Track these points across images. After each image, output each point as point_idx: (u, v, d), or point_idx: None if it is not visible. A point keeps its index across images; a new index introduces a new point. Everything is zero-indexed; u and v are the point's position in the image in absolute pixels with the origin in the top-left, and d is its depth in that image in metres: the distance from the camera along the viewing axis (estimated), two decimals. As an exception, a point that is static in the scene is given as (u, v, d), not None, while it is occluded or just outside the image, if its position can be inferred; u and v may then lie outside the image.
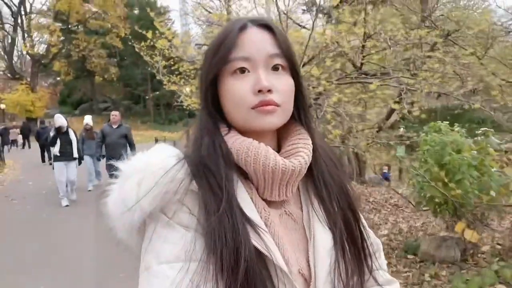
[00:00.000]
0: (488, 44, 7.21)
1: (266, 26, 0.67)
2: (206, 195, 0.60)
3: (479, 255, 3.51)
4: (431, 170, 3.41)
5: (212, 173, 0.62)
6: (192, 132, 0.70)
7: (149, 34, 5.61)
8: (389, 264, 3.37)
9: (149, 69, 6.51)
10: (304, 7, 13.35)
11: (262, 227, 0.61)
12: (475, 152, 3.44)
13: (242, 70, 0.65)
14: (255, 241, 0.58)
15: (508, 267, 2.95)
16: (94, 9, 32.05)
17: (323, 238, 0.67)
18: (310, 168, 0.69)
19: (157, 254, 0.58)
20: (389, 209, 5.89)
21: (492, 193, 3.25)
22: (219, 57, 0.65)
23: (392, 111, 6.66)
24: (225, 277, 0.55)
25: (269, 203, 0.66)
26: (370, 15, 5.85)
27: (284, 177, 0.64)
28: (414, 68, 5.79)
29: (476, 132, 3.68)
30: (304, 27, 8.19)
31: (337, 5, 6.04)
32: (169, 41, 5.72)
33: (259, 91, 0.63)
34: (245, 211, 0.61)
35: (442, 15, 8.69)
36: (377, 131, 6.07)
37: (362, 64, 6.15)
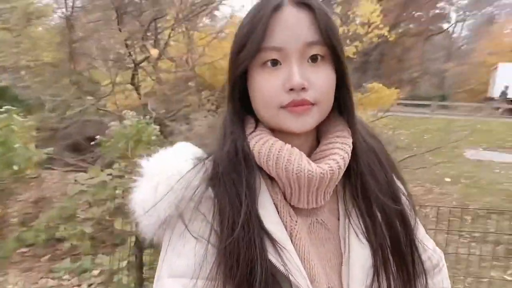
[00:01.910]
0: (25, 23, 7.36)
1: (305, 4, 0.57)
2: (222, 204, 0.56)
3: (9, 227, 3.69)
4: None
5: (232, 180, 0.57)
6: (218, 128, 0.64)
7: None
8: None
9: None
10: None
11: (281, 241, 0.55)
12: (-1, 130, 3.53)
13: (274, 62, 0.57)
14: (272, 257, 0.54)
15: (28, 231, 3.34)
16: None
17: (360, 254, 0.59)
18: (349, 171, 0.61)
19: (169, 266, 0.57)
20: None
21: (15, 167, 3.52)
22: (249, 48, 0.56)
23: None
24: None
25: (299, 210, 0.60)
26: None
27: (312, 184, 0.56)
28: None
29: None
30: None
31: None
32: None
33: (291, 89, 0.55)
34: (264, 223, 0.56)
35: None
36: None
37: None
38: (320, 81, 0.57)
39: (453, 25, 30.99)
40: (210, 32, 6.01)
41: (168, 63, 5.52)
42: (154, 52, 5.21)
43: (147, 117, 3.57)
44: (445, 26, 30.31)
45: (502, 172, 6.44)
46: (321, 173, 0.56)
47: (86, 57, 5.90)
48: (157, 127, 3.44)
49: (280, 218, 0.58)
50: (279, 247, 0.55)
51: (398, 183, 0.68)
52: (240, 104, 0.62)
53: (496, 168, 6.60)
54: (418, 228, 0.67)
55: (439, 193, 5.30)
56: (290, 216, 0.58)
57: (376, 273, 0.59)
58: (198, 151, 0.63)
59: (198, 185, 0.58)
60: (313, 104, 0.57)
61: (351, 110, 0.62)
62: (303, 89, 0.55)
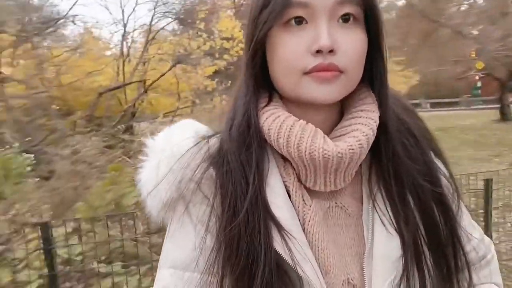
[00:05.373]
0: None
1: None
2: (224, 184, 0.51)
3: None
4: None
5: (239, 158, 0.51)
6: (230, 101, 0.57)
7: None
8: None
9: None
10: None
11: (289, 228, 0.49)
12: None
13: (299, 21, 0.49)
14: (278, 246, 0.48)
15: None
16: None
17: (387, 245, 0.52)
18: (379, 150, 0.53)
19: (166, 256, 0.54)
20: None
21: None
22: (274, 3, 0.48)
23: None
24: None
25: (315, 193, 0.53)
26: None
27: (329, 165, 0.49)
28: None
29: None
30: None
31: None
32: None
33: (318, 51, 0.47)
34: (271, 208, 0.50)
35: None
36: None
37: None
38: (351, 45, 0.49)
39: None
40: (64, 49, 5.35)
41: (17, 86, 4.63)
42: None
43: (15, 146, 2.94)
44: None
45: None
46: (338, 152, 0.48)
47: None
48: (31, 155, 2.86)
49: (292, 202, 0.52)
50: (286, 234, 0.48)
51: (438, 163, 0.59)
52: (260, 72, 0.54)
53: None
54: (461, 214, 0.58)
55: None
56: (303, 200, 0.52)
57: (405, 267, 0.51)
58: (202, 129, 0.58)
59: (198, 164, 0.52)
60: (341, 72, 0.49)
61: (384, 80, 0.54)
62: (331, 51, 0.48)
